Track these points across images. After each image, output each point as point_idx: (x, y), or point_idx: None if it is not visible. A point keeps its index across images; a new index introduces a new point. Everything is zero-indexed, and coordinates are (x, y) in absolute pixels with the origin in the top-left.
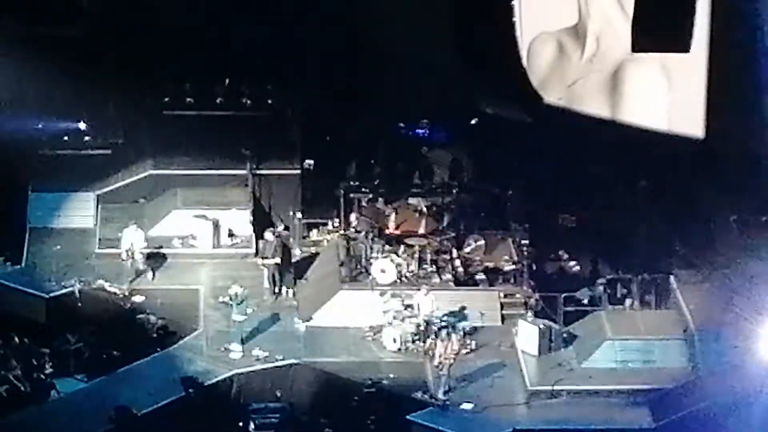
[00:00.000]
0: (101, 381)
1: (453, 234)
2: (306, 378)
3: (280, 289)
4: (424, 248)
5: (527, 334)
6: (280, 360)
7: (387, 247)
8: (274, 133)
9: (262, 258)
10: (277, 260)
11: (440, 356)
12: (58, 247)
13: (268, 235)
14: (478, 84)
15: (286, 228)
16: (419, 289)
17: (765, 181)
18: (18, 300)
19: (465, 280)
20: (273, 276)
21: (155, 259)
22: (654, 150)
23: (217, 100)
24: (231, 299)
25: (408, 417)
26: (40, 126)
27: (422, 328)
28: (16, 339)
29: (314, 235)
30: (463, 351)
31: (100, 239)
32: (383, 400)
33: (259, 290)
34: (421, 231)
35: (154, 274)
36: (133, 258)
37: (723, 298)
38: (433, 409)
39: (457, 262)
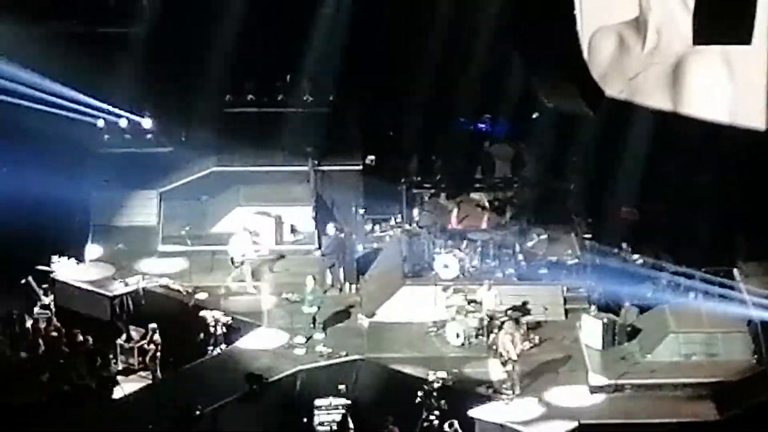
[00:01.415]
0: (165, 378)
1: (515, 228)
2: (369, 373)
3: (342, 285)
4: (487, 243)
5: (591, 329)
6: (344, 356)
7: (450, 242)
8: (336, 129)
9: (322, 255)
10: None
11: (504, 352)
12: (121, 244)
13: (330, 230)
14: (539, 78)
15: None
16: (482, 284)
17: None
18: (82, 298)
19: (528, 275)
20: (334, 272)
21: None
22: (716, 142)
23: (279, 97)
24: (304, 292)
25: (472, 412)
26: (102, 124)
27: (485, 323)
28: (81, 337)
29: (377, 230)
30: (527, 346)
31: (163, 237)
32: (447, 396)
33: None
34: (484, 226)
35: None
36: (242, 264)
37: None
38: (497, 404)
39: (520, 257)
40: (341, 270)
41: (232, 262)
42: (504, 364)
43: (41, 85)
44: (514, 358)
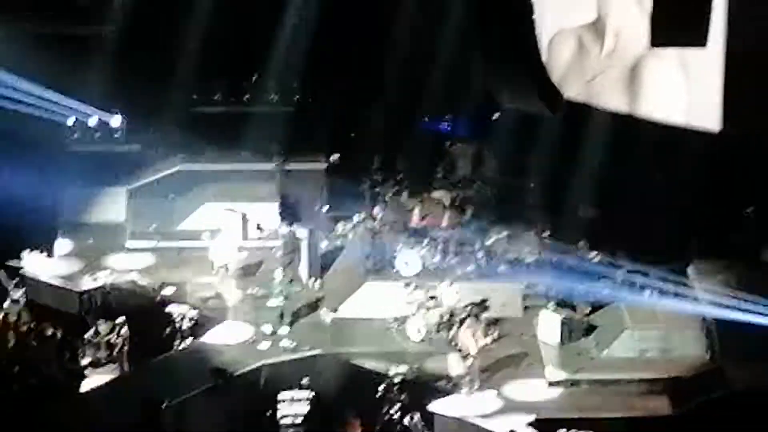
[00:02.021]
0: (133, 371)
1: (475, 226)
2: (332, 368)
3: (300, 282)
4: (448, 240)
5: (548, 325)
6: (307, 350)
7: (411, 239)
8: (301, 129)
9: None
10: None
11: (464, 347)
12: (90, 240)
13: (283, 228)
14: (500, 79)
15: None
16: (443, 281)
17: None
18: (51, 293)
19: (487, 272)
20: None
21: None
22: (672, 143)
23: (245, 97)
24: (271, 286)
25: (432, 406)
26: (72, 122)
27: (446, 318)
28: (50, 331)
29: (340, 228)
30: (486, 341)
31: (131, 233)
32: (408, 390)
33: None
34: (445, 224)
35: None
36: (226, 270)
37: (739, 288)
38: (457, 398)
39: (480, 254)
40: (299, 267)
41: (212, 267)
42: (464, 359)
43: (11, 84)
44: (474, 353)
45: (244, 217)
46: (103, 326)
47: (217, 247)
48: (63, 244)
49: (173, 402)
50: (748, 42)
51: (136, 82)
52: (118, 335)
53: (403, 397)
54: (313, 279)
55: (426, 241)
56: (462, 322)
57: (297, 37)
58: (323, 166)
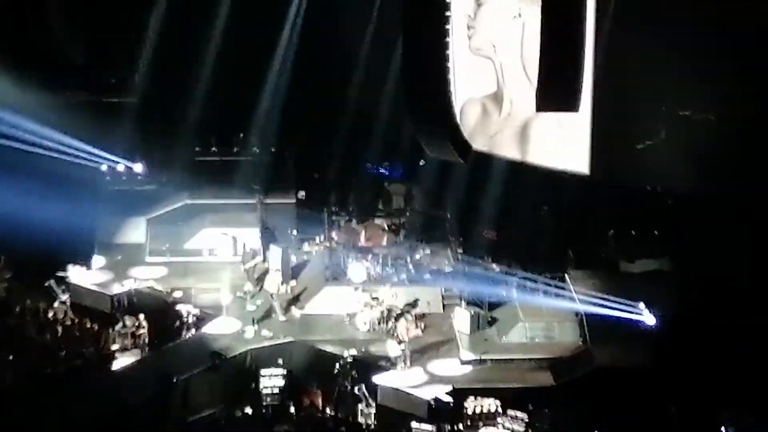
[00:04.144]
0: (151, 355)
1: (407, 245)
2: (301, 351)
3: (259, 285)
4: (386, 256)
5: (462, 318)
6: (282, 338)
7: (359, 255)
8: (276, 173)
9: (243, 263)
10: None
11: (399, 334)
12: (119, 257)
13: (245, 246)
14: (425, 136)
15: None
16: (383, 286)
17: (633, 203)
18: (90, 296)
19: (416, 279)
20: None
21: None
22: (553, 183)
23: (234, 149)
24: (245, 294)
25: (375, 379)
26: (105, 168)
27: (385, 314)
28: (89, 324)
29: (306, 246)
30: (416, 331)
31: (149, 251)
32: (357, 367)
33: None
34: (384, 243)
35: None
36: (272, 296)
37: (603, 290)
38: (393, 373)
39: (410, 266)
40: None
41: (271, 297)
42: (399, 344)
43: (61, 140)
44: (406, 339)
45: (234, 239)
46: (128, 321)
47: (270, 280)
48: (98, 260)
49: (181, 378)
50: (609, 107)
51: (153, 138)
52: (140, 327)
53: (353, 372)
54: (285, 285)
55: (370, 256)
56: (398, 316)
57: (272, 106)
58: (293, 200)
